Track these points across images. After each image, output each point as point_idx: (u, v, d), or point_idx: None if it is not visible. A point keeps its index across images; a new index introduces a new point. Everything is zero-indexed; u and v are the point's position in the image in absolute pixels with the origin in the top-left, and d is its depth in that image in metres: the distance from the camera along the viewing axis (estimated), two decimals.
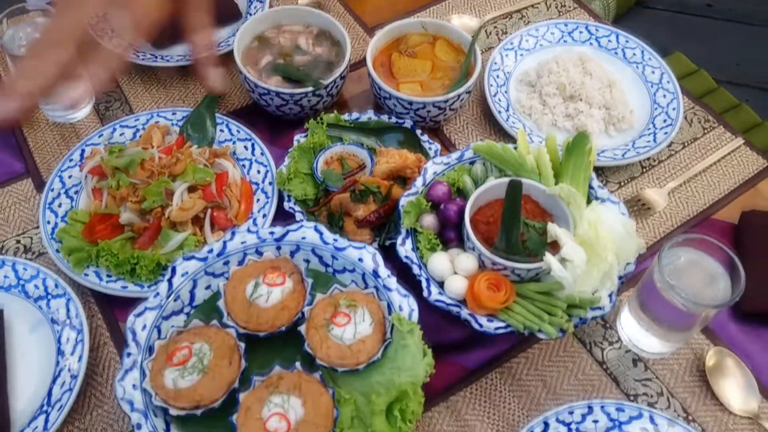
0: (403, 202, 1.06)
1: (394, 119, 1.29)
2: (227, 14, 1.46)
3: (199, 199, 1.14)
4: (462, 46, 1.35)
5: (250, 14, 1.46)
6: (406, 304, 0.94)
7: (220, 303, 0.96)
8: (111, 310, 1.09)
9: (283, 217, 1.16)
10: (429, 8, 1.56)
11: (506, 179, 1.04)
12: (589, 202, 1.07)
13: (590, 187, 1.08)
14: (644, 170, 1.30)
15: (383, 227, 1.14)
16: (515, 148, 1.11)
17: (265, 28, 1.36)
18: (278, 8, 1.36)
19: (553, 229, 0.94)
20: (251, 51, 1.33)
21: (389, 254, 1.06)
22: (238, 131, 1.28)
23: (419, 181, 1.10)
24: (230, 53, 1.30)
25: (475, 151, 1.11)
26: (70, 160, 1.22)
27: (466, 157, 1.13)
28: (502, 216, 0.95)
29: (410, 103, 1.24)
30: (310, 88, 1.24)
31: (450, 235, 1.06)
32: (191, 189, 1.16)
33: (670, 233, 1.22)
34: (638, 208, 1.24)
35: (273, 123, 1.34)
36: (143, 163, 1.16)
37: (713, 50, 2.71)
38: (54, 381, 0.99)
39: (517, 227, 0.94)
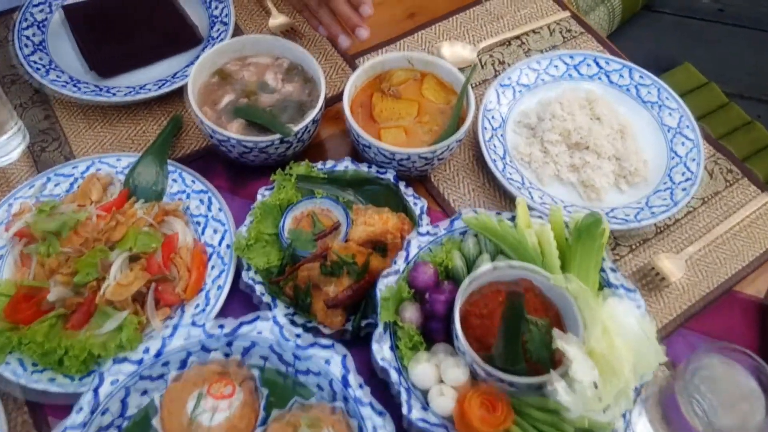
0: (382, 286, 0.90)
1: (374, 169, 1.12)
2: (184, 39, 1.27)
3: (142, 271, 0.97)
4: (453, 86, 1.17)
5: (213, 39, 1.28)
6: (381, 426, 0.78)
7: (155, 421, 0.80)
8: (41, 406, 0.93)
9: (240, 295, 1.00)
10: (416, 33, 1.38)
11: (503, 264, 0.88)
12: (600, 288, 0.91)
13: (601, 269, 0.92)
14: (659, 231, 1.14)
15: (358, 305, 0.98)
16: (513, 219, 0.95)
17: (227, 60, 1.18)
18: (242, 37, 1.18)
19: (561, 345, 0.78)
20: (210, 87, 1.15)
21: (364, 344, 0.90)
22: (193, 182, 1.10)
23: (401, 259, 0.93)
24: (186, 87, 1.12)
25: (466, 224, 0.95)
26: None
27: (456, 227, 0.97)
28: (501, 327, 0.79)
29: (393, 154, 1.07)
30: (277, 137, 1.07)
31: (436, 326, 0.89)
32: (133, 258, 0.99)
33: (688, 309, 1.06)
34: (651, 278, 1.08)
35: (235, 169, 1.17)
36: (77, 228, 0.99)
37: (723, 58, 2.54)
38: None
39: (517, 341, 0.78)
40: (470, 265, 0.94)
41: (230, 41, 1.17)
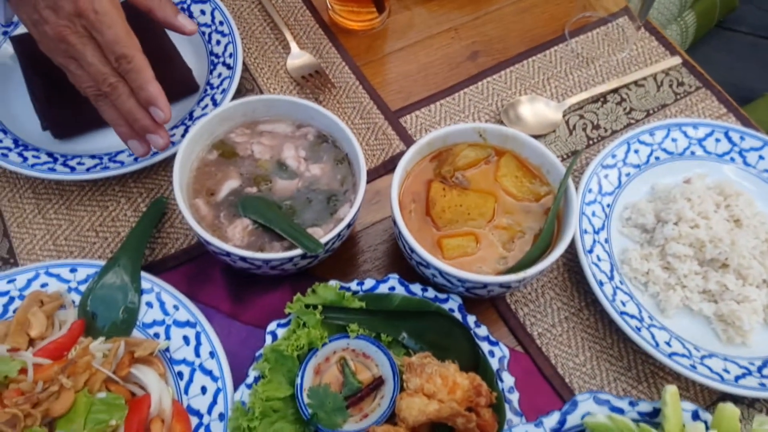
0: None
1: (432, 293, 0.80)
2: (172, 85, 0.87)
3: None
4: (541, 170, 0.84)
5: (213, 88, 0.94)
6: None
7: None
8: None
9: None
10: (481, 82, 1.04)
11: None
12: None
13: None
14: None
15: None
16: (654, 414, 0.63)
17: (230, 128, 0.85)
18: (252, 98, 0.84)
19: None
20: (206, 169, 0.82)
21: None
22: (176, 309, 0.78)
23: None
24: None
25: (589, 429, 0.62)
26: None
27: (570, 424, 0.64)
28: None
29: (462, 281, 0.75)
30: (298, 252, 0.74)
31: None
32: None
33: None
34: None
35: (238, 278, 0.85)
36: (3, 392, 0.67)
37: None
38: None
39: None
40: None
41: (237, 103, 0.83)
